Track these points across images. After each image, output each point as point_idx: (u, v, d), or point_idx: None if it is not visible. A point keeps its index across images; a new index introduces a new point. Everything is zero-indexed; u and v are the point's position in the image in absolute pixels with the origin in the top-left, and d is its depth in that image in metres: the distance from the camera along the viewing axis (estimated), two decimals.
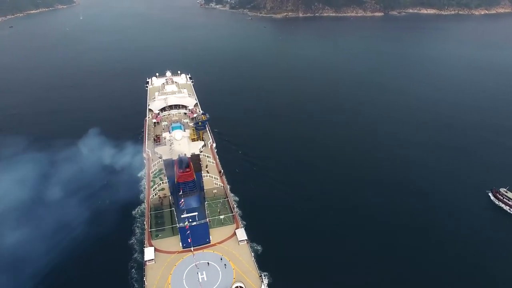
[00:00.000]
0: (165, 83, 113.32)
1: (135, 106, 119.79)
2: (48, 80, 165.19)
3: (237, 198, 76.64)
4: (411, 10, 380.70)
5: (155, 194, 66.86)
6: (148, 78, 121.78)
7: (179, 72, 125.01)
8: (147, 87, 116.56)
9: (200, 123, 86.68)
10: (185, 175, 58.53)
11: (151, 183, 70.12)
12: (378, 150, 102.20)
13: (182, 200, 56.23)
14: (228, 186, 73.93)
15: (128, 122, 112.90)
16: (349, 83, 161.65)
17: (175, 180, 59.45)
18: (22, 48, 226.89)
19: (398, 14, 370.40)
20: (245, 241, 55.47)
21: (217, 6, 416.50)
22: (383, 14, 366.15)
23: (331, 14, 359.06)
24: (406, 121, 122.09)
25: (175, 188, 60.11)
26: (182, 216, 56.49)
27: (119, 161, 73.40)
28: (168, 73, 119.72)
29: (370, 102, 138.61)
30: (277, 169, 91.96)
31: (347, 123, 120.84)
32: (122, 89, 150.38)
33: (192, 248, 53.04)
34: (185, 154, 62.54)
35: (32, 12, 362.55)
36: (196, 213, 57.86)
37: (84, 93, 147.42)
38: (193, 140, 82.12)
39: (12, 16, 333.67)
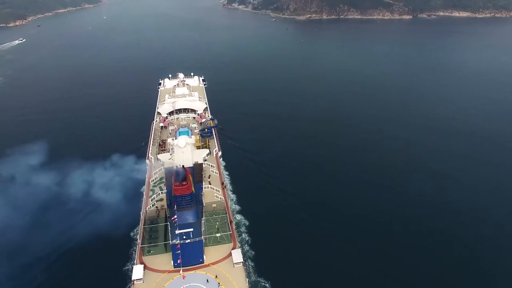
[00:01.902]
0: (176, 86, 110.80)
1: (147, 109, 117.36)
2: (62, 79, 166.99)
3: (246, 222, 68.46)
4: (442, 13, 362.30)
5: (153, 205, 63.42)
6: (161, 79, 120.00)
7: (192, 74, 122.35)
8: (159, 88, 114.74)
9: (206, 129, 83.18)
10: (181, 188, 54.90)
11: (150, 193, 66.88)
12: (409, 162, 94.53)
13: (175, 216, 52.44)
14: (230, 201, 69.71)
15: (138, 127, 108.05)
16: (375, 90, 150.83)
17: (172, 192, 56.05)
18: (42, 48, 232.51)
19: (428, 17, 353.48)
20: (241, 263, 50.93)
21: (240, 7, 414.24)
22: (411, 17, 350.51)
23: (357, 17, 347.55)
24: (440, 131, 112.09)
25: (172, 200, 56.61)
26: (176, 232, 52.71)
27: (120, 173, 68.82)
28: (181, 75, 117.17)
29: (400, 110, 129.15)
30: (298, 187, 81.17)
31: (375, 132, 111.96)
32: (136, 90, 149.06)
33: (181, 270, 48.97)
34: (183, 166, 58.64)
35: (60, 11, 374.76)
36: (192, 229, 53.87)
37: (96, 94, 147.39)
38: (198, 147, 78.35)
39: (42, 15, 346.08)
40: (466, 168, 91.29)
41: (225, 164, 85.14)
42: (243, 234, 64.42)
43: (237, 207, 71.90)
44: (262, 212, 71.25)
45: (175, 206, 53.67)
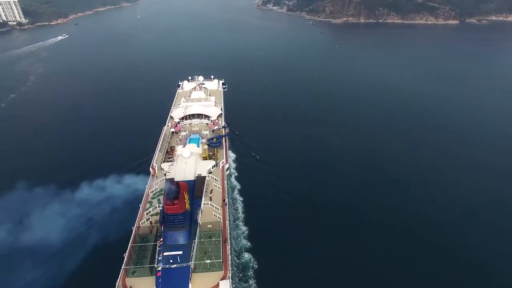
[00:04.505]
0: (193, 89, 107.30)
1: (164, 111, 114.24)
2: (88, 77, 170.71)
3: (255, 265, 59.00)
4: (494, 18, 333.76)
5: (147, 219, 59.22)
6: (181, 81, 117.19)
7: (212, 76, 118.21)
8: (178, 90, 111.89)
9: (215, 139, 78.14)
10: (172, 207, 49.98)
11: (148, 205, 62.81)
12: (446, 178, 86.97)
13: (161, 240, 47.61)
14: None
15: (154, 131, 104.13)
16: (412, 108, 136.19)
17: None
18: (75, 46, 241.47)
19: (478, 22, 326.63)
20: None
21: (274, 8, 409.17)
22: (458, 22, 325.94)
23: (397, 21, 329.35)
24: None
25: (164, 217, 51.92)
26: (163, 253, 48.01)
27: (121, 193, 64.90)
28: (200, 78, 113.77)
29: (443, 130, 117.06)
30: (332, 226, 68.89)
31: (415, 151, 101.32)
32: (158, 91, 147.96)
33: None
34: (177, 183, 53.68)
35: (99, 9, 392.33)
36: (181, 252, 48.96)
37: (115, 95, 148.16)
38: (205, 158, 73.31)
39: (82, 14, 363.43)
40: None
41: (240, 187, 79.24)
42: (249, 280, 56.32)
43: (247, 244, 62.63)
44: (277, 255, 59.61)
45: (162, 227, 48.91)
